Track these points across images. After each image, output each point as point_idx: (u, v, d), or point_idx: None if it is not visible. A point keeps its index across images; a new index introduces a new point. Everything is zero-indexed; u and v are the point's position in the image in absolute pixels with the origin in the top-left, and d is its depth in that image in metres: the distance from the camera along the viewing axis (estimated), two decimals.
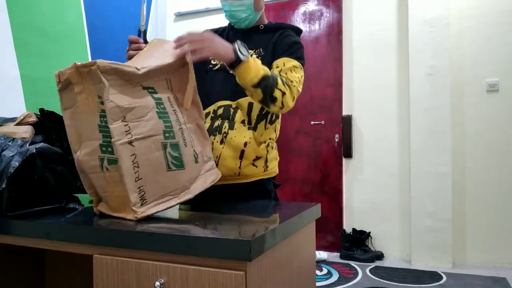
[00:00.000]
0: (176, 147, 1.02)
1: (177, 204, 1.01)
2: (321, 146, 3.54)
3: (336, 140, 3.48)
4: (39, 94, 2.61)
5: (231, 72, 1.21)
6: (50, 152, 1.07)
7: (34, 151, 1.02)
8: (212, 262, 0.75)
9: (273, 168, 1.45)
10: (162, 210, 0.98)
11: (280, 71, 1.33)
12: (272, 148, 1.44)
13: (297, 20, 3.64)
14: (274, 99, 1.24)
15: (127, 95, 0.94)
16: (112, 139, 0.91)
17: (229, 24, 1.51)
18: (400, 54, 3.35)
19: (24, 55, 2.53)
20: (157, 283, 0.77)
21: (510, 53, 3.08)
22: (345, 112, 3.50)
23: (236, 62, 1.15)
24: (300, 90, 1.36)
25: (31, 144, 1.06)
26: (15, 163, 0.98)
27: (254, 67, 1.18)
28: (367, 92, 3.45)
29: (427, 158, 3.10)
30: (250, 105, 1.37)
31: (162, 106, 1.01)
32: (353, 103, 3.50)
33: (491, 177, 3.10)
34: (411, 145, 3.17)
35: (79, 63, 0.93)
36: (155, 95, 1.01)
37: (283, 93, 1.26)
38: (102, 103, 0.92)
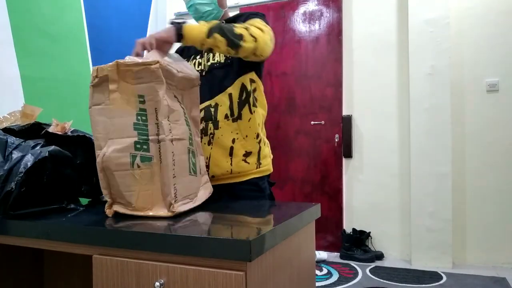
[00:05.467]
0: (194, 154, 1.10)
1: (191, 208, 1.06)
2: (321, 146, 3.54)
3: (336, 140, 3.48)
4: (39, 94, 2.61)
5: (182, 44, 1.22)
6: (61, 155, 1.08)
7: (47, 154, 1.03)
8: (212, 262, 0.75)
9: (267, 165, 1.45)
10: (185, 209, 1.03)
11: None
12: (264, 144, 1.46)
13: (297, 20, 3.64)
14: (240, 36, 1.20)
15: (169, 98, 1.01)
16: (162, 135, 0.96)
17: None
18: (400, 54, 3.35)
19: (24, 55, 2.53)
20: (157, 284, 0.77)
21: (510, 53, 3.08)
22: (345, 112, 3.50)
23: (178, 30, 1.15)
24: (267, 28, 1.31)
25: (42, 146, 1.06)
26: (27, 164, 0.99)
27: (196, 26, 1.19)
28: (367, 92, 3.45)
29: (427, 158, 3.10)
30: (230, 96, 1.38)
31: (185, 115, 1.10)
32: (353, 103, 3.50)
33: (491, 177, 3.10)
34: (411, 145, 3.16)
35: (129, 61, 0.96)
36: (181, 105, 1.08)
37: (246, 28, 1.23)
38: (142, 102, 0.97)
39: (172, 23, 1.18)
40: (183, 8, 4.07)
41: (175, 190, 0.98)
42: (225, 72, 1.38)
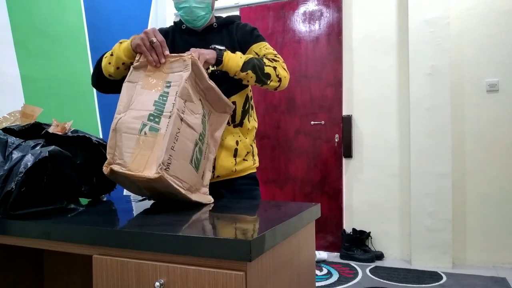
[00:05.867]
0: (201, 152, 1.18)
1: (181, 194, 1.09)
2: (321, 146, 3.54)
3: (336, 140, 3.48)
4: (39, 94, 2.61)
5: (218, 69, 1.32)
6: (61, 155, 1.08)
7: (47, 154, 1.03)
8: (212, 262, 0.75)
9: (257, 160, 1.57)
10: (174, 188, 1.05)
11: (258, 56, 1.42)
12: (254, 142, 1.56)
13: (297, 20, 3.65)
14: (268, 75, 1.35)
15: (191, 92, 1.15)
16: (173, 109, 1.07)
17: (175, 25, 1.50)
18: (400, 54, 3.35)
19: (24, 55, 2.53)
20: (157, 284, 0.77)
21: (510, 53, 3.08)
22: (345, 112, 3.50)
23: (219, 57, 1.27)
24: (286, 68, 1.46)
25: (42, 146, 1.06)
26: (27, 164, 0.99)
27: (234, 56, 1.31)
28: (367, 92, 3.45)
29: (427, 158, 3.10)
30: (233, 104, 1.41)
31: (205, 119, 1.22)
32: (353, 103, 3.50)
33: (491, 177, 3.10)
34: (411, 145, 3.17)
35: (173, 54, 1.17)
36: (204, 109, 1.22)
37: (274, 67, 1.37)
38: (168, 87, 1.12)
39: (214, 48, 1.29)
40: None
41: (169, 160, 1.03)
42: (228, 79, 1.37)
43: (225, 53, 1.28)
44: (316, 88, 3.57)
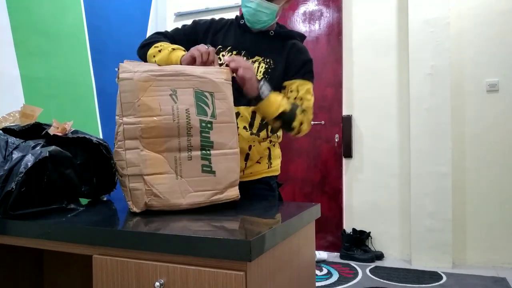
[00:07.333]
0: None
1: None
2: (321, 146, 3.54)
3: (336, 140, 3.48)
4: (39, 94, 2.61)
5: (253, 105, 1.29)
6: (61, 155, 1.08)
7: (47, 154, 1.02)
8: (212, 262, 0.75)
9: (277, 166, 1.48)
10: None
11: (295, 98, 1.37)
12: (274, 145, 1.46)
13: (297, 20, 3.64)
14: (292, 129, 1.32)
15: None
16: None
17: (236, 18, 1.47)
18: (400, 54, 3.35)
19: (24, 55, 2.53)
20: (157, 284, 0.77)
21: (510, 53, 3.08)
22: (345, 112, 3.50)
23: (259, 98, 1.23)
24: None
25: (42, 146, 1.06)
26: (27, 164, 0.99)
27: (274, 103, 1.25)
28: (367, 92, 3.45)
29: (427, 158, 3.10)
30: (253, 114, 1.37)
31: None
32: (353, 103, 3.50)
33: (491, 177, 3.10)
34: (411, 145, 3.17)
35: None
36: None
37: (301, 123, 1.33)
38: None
39: (261, 86, 1.23)
40: (183, 8, 4.08)
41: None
42: None
43: (266, 98, 1.23)
44: (316, 88, 3.53)
